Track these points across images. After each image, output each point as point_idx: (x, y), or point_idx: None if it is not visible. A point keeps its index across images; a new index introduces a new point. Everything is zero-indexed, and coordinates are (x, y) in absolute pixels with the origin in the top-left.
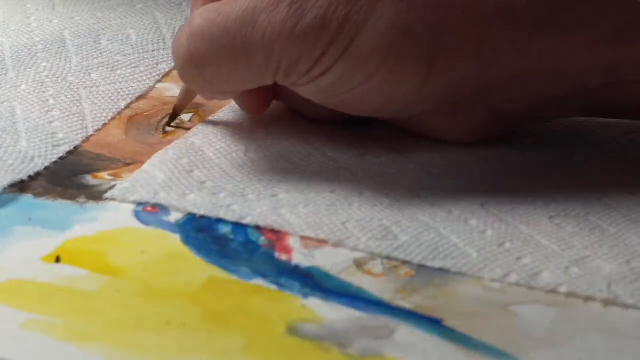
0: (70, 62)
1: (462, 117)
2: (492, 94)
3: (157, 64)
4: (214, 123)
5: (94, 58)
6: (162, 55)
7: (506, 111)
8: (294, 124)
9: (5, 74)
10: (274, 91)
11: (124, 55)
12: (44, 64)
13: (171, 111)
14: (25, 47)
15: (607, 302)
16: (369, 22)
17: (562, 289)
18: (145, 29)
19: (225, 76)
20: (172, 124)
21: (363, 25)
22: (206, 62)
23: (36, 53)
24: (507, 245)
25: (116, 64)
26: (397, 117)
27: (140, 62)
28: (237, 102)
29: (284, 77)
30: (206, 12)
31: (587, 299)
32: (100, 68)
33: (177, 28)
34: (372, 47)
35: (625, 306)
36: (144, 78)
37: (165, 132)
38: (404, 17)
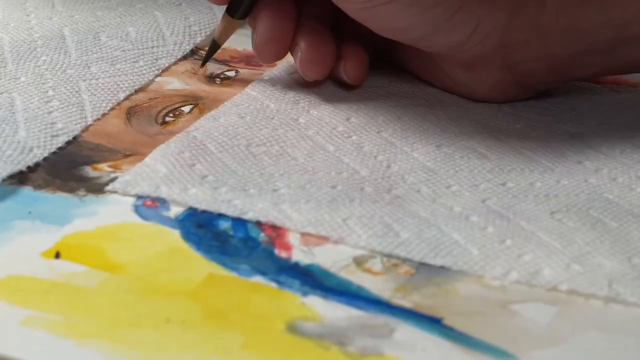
0: (69, 56)
1: (484, 72)
2: (511, 53)
3: (156, 60)
4: (216, 117)
5: (93, 53)
6: (162, 51)
7: (524, 72)
8: (297, 119)
9: (5, 67)
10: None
11: (123, 51)
12: (43, 58)
13: (210, 43)
14: (24, 42)
15: (608, 300)
16: None
17: (563, 287)
18: (145, 27)
19: None
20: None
21: None
22: None
23: (35, 48)
24: (508, 242)
25: (115, 58)
26: (423, 46)
27: (139, 57)
28: (295, 63)
29: None
30: None
31: (588, 297)
32: (100, 62)
33: (177, 27)
34: None
35: (626, 304)
36: (144, 72)
37: (165, 123)
38: None
